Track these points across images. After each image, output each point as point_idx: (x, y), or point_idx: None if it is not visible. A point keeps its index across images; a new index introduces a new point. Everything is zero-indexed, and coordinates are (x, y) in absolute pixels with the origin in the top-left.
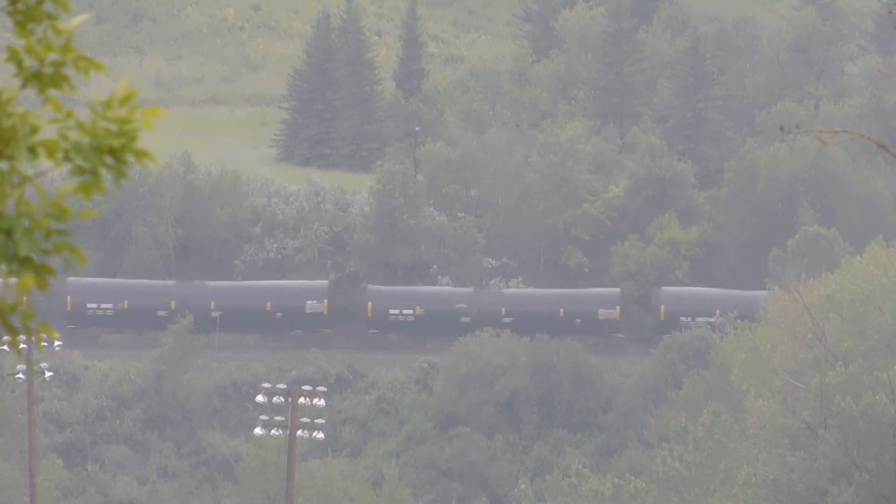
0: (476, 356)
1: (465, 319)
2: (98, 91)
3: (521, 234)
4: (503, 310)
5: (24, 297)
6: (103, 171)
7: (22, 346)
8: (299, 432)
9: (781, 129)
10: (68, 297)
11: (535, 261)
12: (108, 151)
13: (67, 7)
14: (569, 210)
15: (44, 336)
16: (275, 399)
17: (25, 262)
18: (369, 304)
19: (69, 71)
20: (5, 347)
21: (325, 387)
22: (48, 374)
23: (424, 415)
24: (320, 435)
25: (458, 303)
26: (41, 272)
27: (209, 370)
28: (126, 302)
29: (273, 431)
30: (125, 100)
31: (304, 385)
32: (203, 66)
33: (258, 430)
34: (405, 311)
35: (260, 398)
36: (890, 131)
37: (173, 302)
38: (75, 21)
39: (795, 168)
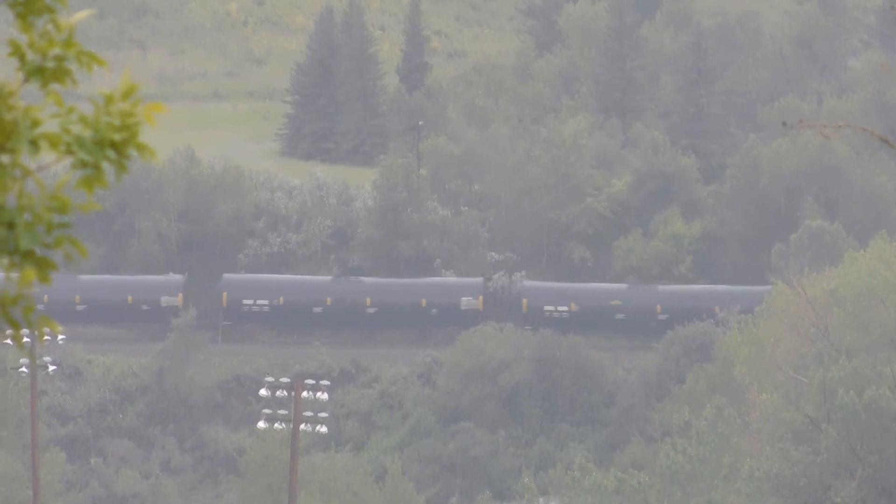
0: (479, 350)
1: (620, 316)
2: (100, 86)
3: (524, 229)
4: (658, 307)
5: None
6: (105, 165)
7: (24, 339)
8: (302, 426)
9: (784, 124)
10: (224, 294)
11: (538, 255)
12: (110, 145)
13: (65, 2)
14: (572, 205)
15: (46, 330)
16: (278, 393)
17: (27, 256)
18: (524, 300)
19: (71, 65)
20: (8, 341)
21: (328, 381)
22: (51, 367)
23: (428, 409)
24: (323, 429)
25: (613, 300)
26: (43, 266)
27: (212, 365)
28: (281, 298)
29: (276, 425)
30: (127, 94)
31: (307, 379)
32: (206, 60)
33: (261, 424)
34: (560, 308)
35: (263, 392)
36: (893, 126)
37: (329, 298)
38: (78, 16)
39: (798, 163)
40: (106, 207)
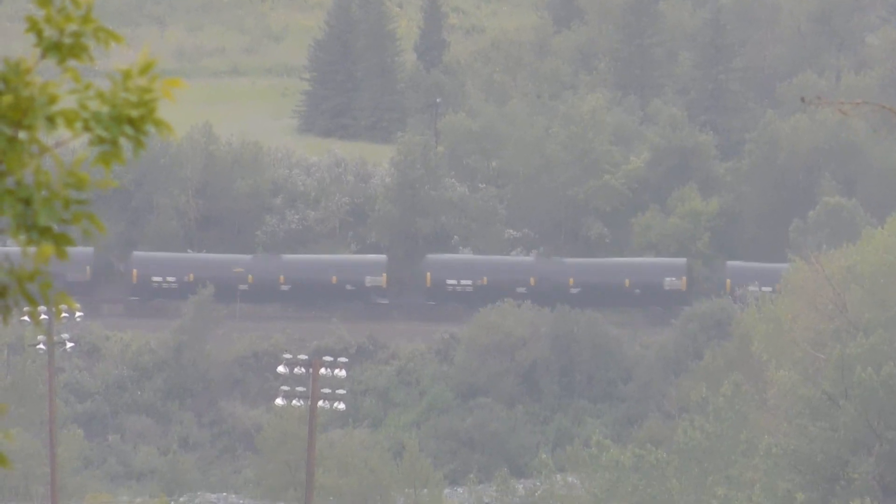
0: (497, 327)
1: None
2: (118, 62)
3: (542, 205)
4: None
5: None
6: (122, 142)
7: (42, 316)
8: (320, 403)
9: (802, 100)
10: (427, 273)
11: (556, 231)
12: (128, 121)
13: None
14: (590, 181)
15: (63, 306)
16: (296, 370)
17: (45, 232)
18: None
19: (88, 42)
20: (26, 318)
21: (346, 357)
22: (69, 344)
23: (445, 385)
24: (341, 405)
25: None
26: (60, 241)
27: (230, 340)
28: (485, 279)
29: (294, 402)
30: (144, 69)
31: (325, 356)
32: (224, 36)
33: (279, 401)
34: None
35: (281, 369)
36: None
37: (533, 278)
38: None
39: (816, 139)
40: (124, 183)
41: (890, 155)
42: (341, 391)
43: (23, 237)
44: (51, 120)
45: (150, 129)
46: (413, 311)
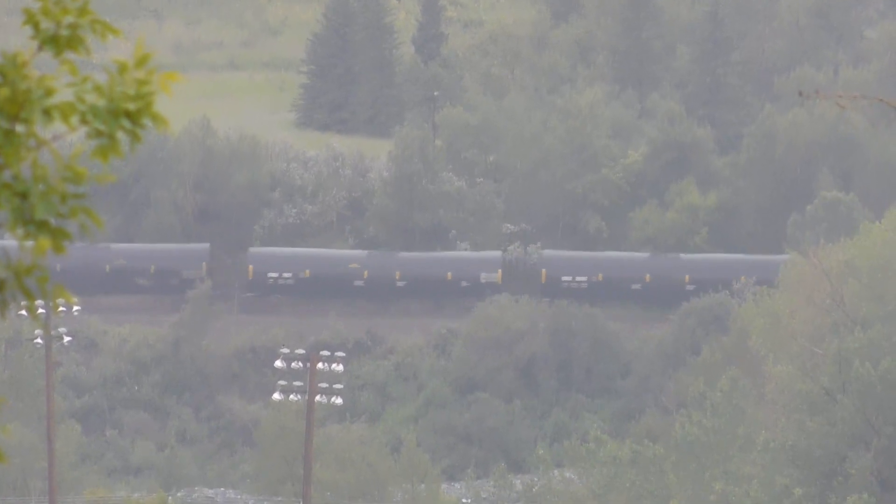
0: (495, 321)
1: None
2: (115, 56)
3: (540, 200)
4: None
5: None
6: (120, 135)
7: (39, 310)
8: (318, 397)
9: (800, 93)
10: (543, 270)
11: (554, 226)
12: (125, 115)
13: None
14: (588, 175)
15: (60, 300)
16: (293, 364)
17: (42, 226)
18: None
19: (85, 34)
20: (23, 312)
21: (343, 352)
22: (66, 338)
23: (443, 380)
24: (339, 400)
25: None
26: (57, 236)
27: (228, 335)
28: (600, 275)
29: (291, 396)
30: (141, 62)
31: (322, 350)
32: (222, 30)
33: (276, 396)
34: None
35: (278, 363)
36: None
37: (648, 275)
38: None
39: (814, 133)
40: (121, 177)
41: (888, 149)
42: (339, 386)
43: (20, 231)
44: (47, 113)
45: (148, 122)
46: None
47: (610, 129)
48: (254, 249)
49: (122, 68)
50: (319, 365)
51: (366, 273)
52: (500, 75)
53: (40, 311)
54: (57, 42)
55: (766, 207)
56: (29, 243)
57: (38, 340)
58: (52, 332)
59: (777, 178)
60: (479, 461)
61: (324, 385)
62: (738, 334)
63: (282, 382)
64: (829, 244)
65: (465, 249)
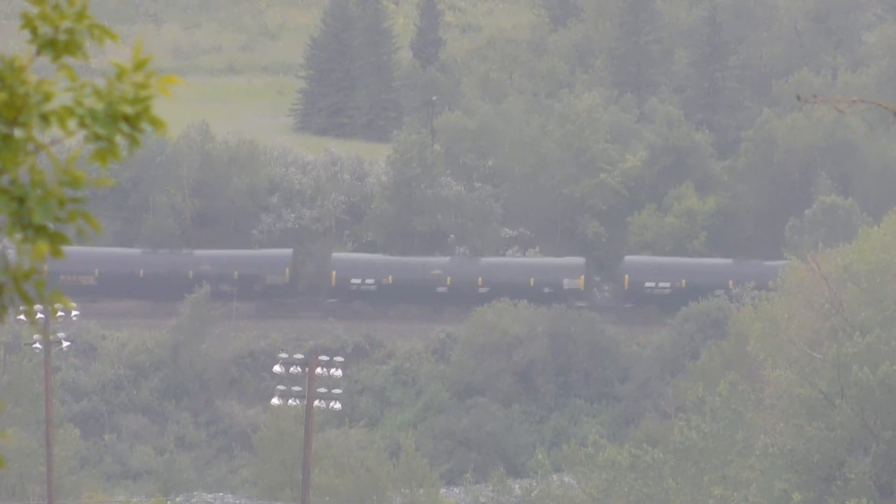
0: (493, 326)
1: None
2: (114, 60)
3: (538, 204)
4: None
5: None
6: (118, 139)
7: (38, 315)
8: (316, 402)
9: (798, 98)
10: (626, 276)
11: (552, 230)
12: (124, 118)
13: None
14: (586, 180)
15: (59, 305)
16: (292, 369)
17: (40, 231)
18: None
19: (83, 39)
20: (22, 317)
21: (342, 356)
22: (65, 343)
23: (441, 385)
24: (337, 405)
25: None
26: (55, 240)
27: (227, 340)
28: (683, 281)
29: (290, 401)
30: (139, 66)
31: (321, 355)
32: (221, 34)
33: (275, 400)
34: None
35: (277, 368)
36: None
37: (731, 281)
38: None
39: (813, 137)
40: (120, 182)
41: (886, 153)
42: (337, 391)
43: (18, 236)
44: (45, 117)
45: (146, 126)
46: (608, 314)
47: (608, 134)
48: (337, 255)
49: (121, 72)
50: (318, 370)
51: (449, 279)
52: (499, 80)
53: (39, 315)
54: (55, 46)
55: (765, 212)
56: (27, 248)
57: (37, 345)
58: (51, 337)
59: (776, 182)
60: (477, 466)
61: (322, 390)
62: (736, 339)
63: (280, 387)
64: (827, 249)
65: (465, 254)
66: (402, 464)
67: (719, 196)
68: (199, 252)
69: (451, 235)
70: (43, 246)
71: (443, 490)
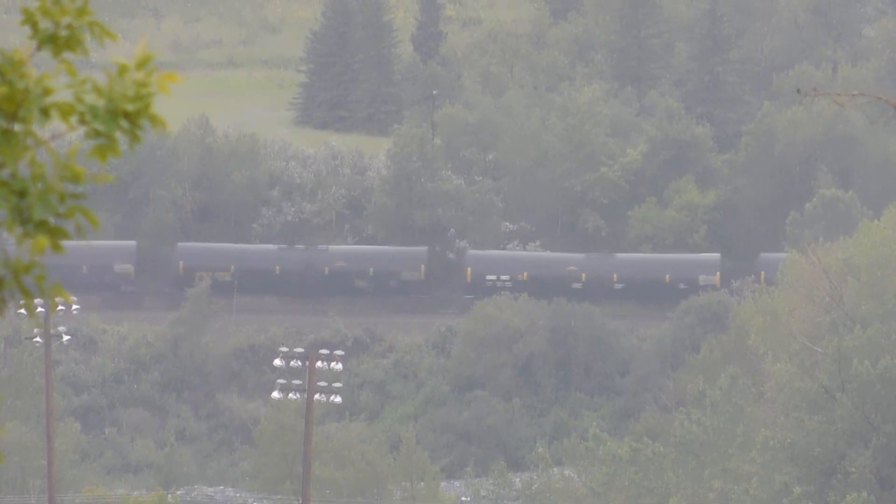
0: (494, 319)
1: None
2: (114, 55)
3: (539, 198)
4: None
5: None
6: (118, 135)
7: (39, 309)
8: (317, 396)
9: (798, 91)
10: (762, 272)
11: (553, 224)
12: (124, 115)
13: None
14: (586, 173)
15: (59, 299)
16: (292, 362)
17: (40, 225)
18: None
19: (84, 34)
20: (22, 311)
21: (342, 350)
22: (66, 337)
23: (442, 378)
24: (338, 398)
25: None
26: (55, 235)
27: (227, 333)
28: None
29: (291, 395)
30: (141, 63)
31: (321, 348)
32: (221, 28)
33: (276, 394)
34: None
35: (277, 362)
36: None
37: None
38: None
39: (813, 131)
40: (120, 176)
41: (887, 147)
42: (338, 384)
43: (18, 230)
44: (45, 112)
45: (146, 123)
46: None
47: (609, 127)
48: (473, 252)
49: (122, 69)
50: (318, 363)
51: (584, 276)
52: (499, 73)
53: (39, 309)
54: (55, 42)
55: (765, 205)
56: (27, 242)
57: (38, 339)
58: (52, 331)
59: (776, 176)
60: (478, 459)
61: (323, 383)
62: (737, 332)
63: (281, 381)
64: (828, 242)
65: (465, 247)
66: (403, 457)
67: (720, 190)
68: (334, 248)
69: (452, 229)
70: (43, 240)
71: (443, 483)
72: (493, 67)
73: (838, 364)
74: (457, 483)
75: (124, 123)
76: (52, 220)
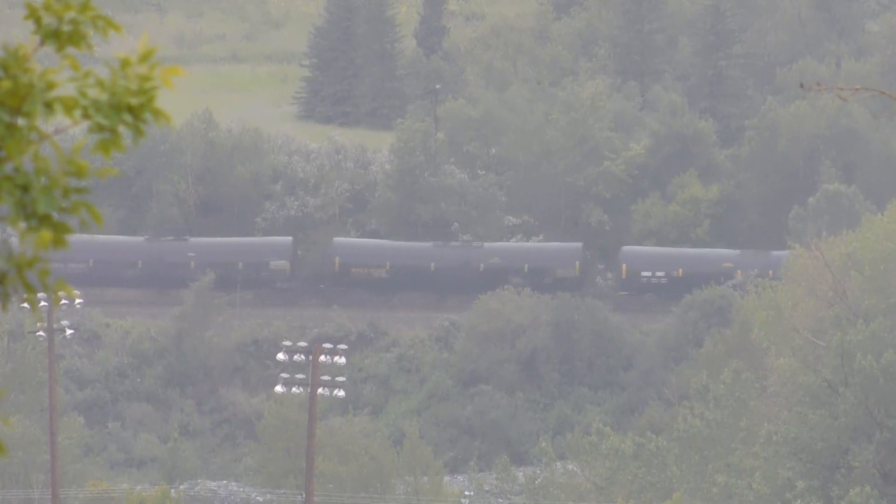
0: (497, 314)
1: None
2: (118, 49)
3: (542, 192)
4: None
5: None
6: (122, 129)
7: (41, 303)
8: (320, 390)
9: (802, 86)
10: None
11: (556, 219)
12: (127, 109)
13: None
14: (590, 168)
15: (62, 294)
16: (296, 357)
17: (44, 220)
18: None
19: (87, 30)
20: (26, 305)
21: (346, 344)
22: (69, 331)
23: (445, 373)
24: (341, 393)
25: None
26: (59, 229)
27: (230, 328)
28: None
29: (294, 389)
30: (144, 57)
31: (325, 343)
32: (224, 23)
33: (279, 388)
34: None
35: (281, 356)
36: None
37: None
38: None
39: (816, 126)
40: (124, 170)
41: (890, 141)
42: (341, 378)
43: (22, 225)
44: (49, 106)
45: (149, 117)
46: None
47: (612, 122)
48: (627, 248)
49: (124, 63)
50: (322, 357)
51: (739, 272)
52: (502, 68)
53: (42, 303)
54: (59, 37)
55: (769, 200)
56: (31, 236)
57: (41, 333)
58: (55, 325)
59: (779, 170)
60: (481, 454)
61: (326, 378)
62: (740, 327)
63: (284, 375)
64: (831, 237)
65: (469, 242)
66: (406, 451)
67: (723, 184)
68: (489, 245)
69: (455, 224)
70: (46, 235)
71: (447, 478)
72: (497, 62)
73: (841, 358)
74: (460, 477)
75: (128, 117)
76: (55, 214)
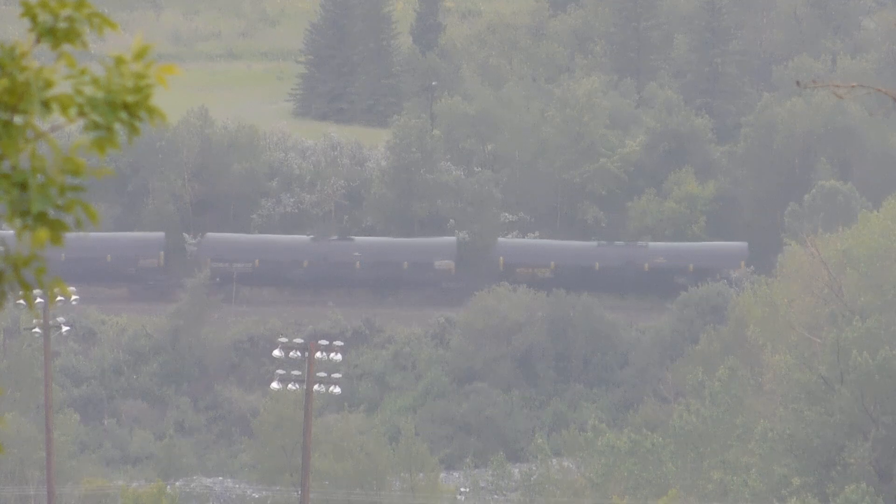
0: (493, 311)
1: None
2: (113, 47)
3: (538, 189)
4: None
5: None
6: (117, 127)
7: (38, 300)
8: (316, 387)
9: (798, 83)
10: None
11: (552, 215)
12: (123, 107)
13: None
14: (586, 165)
15: (57, 291)
16: (291, 354)
17: (40, 218)
18: None
19: (83, 27)
20: (21, 302)
21: (341, 341)
22: (65, 328)
23: (441, 370)
24: (337, 389)
25: None
26: (55, 227)
27: (226, 325)
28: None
29: (290, 386)
30: (139, 55)
31: (320, 339)
32: (220, 20)
33: (275, 385)
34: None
35: (276, 353)
36: None
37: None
38: None
39: (812, 123)
40: (119, 167)
41: (886, 138)
42: (337, 375)
43: (18, 222)
44: (46, 104)
45: (144, 115)
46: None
47: (608, 119)
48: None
49: (118, 61)
50: (318, 354)
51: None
52: (498, 65)
53: (38, 300)
54: (54, 35)
55: (764, 197)
56: (27, 234)
57: (37, 330)
58: (51, 322)
59: (775, 167)
60: (477, 451)
61: (322, 374)
62: (736, 324)
63: (280, 372)
64: (827, 233)
65: (465, 239)
66: (402, 448)
67: (719, 181)
68: (654, 245)
69: (451, 220)
70: (43, 233)
71: (442, 475)
72: (493, 59)
73: (837, 355)
74: (456, 474)
75: (123, 115)
76: (51, 212)
